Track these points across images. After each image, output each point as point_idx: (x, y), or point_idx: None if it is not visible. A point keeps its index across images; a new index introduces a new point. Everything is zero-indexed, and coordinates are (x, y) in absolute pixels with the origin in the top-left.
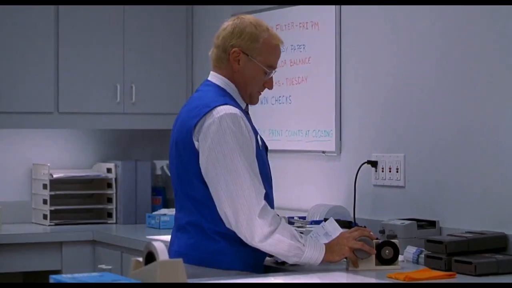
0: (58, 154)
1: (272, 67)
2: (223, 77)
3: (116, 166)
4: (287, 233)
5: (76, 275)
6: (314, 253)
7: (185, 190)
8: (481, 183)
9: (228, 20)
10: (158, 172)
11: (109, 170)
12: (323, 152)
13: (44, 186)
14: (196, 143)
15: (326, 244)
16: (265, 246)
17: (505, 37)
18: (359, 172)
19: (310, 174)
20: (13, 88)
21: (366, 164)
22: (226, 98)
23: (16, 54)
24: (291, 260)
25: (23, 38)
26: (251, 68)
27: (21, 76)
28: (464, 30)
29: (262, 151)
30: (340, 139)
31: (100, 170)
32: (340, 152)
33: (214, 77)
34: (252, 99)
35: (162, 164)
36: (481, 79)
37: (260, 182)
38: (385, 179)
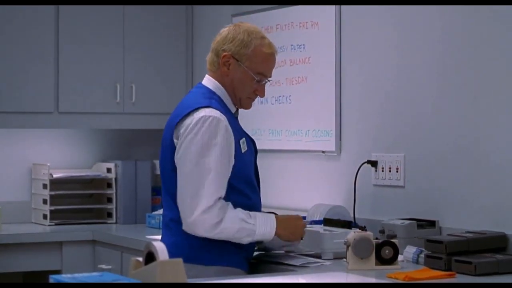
0: (58, 154)
1: (262, 74)
2: (215, 81)
3: (116, 166)
4: (234, 220)
5: (76, 275)
6: (266, 229)
7: (167, 188)
8: (481, 183)
9: (228, 26)
10: (158, 172)
11: (109, 170)
12: (323, 152)
13: (44, 186)
14: (175, 141)
15: (279, 219)
16: (213, 236)
17: (508, 39)
18: (359, 172)
19: (310, 174)
20: (13, 88)
21: (366, 164)
22: (212, 100)
23: (16, 54)
24: (245, 241)
25: (23, 38)
26: (239, 73)
27: (21, 76)
28: (466, 29)
29: (245, 155)
30: (340, 139)
31: (100, 170)
32: (340, 152)
33: (206, 80)
34: (242, 104)
35: None
36: (482, 79)
37: (219, 184)
38: (385, 179)
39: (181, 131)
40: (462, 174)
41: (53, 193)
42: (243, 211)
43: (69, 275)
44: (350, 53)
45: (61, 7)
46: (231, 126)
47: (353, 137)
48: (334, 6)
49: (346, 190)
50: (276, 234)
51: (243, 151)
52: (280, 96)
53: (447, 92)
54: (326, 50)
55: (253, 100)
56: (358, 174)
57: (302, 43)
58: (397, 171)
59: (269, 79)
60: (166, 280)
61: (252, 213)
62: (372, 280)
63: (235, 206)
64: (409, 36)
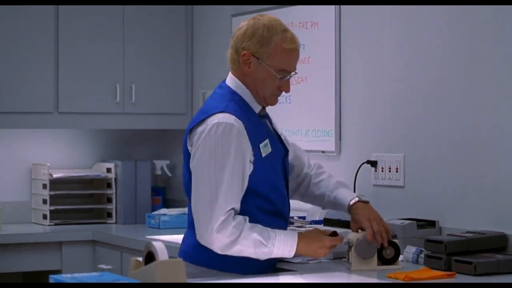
0: (58, 154)
1: (285, 70)
2: (236, 79)
3: (116, 166)
4: (249, 242)
5: (76, 275)
6: (284, 249)
7: (187, 190)
8: (481, 183)
9: (247, 20)
10: (158, 172)
11: (109, 170)
12: (323, 152)
13: (44, 186)
14: (189, 148)
15: (301, 236)
16: (229, 254)
17: (508, 39)
18: (359, 172)
19: None
20: (13, 88)
21: (365, 164)
22: (229, 103)
23: (16, 54)
24: (263, 259)
25: (23, 38)
26: (261, 71)
27: (21, 76)
28: (466, 30)
29: (268, 158)
30: (340, 139)
31: (100, 170)
32: (340, 152)
33: (229, 79)
34: (267, 101)
35: (162, 164)
36: (482, 79)
37: (230, 196)
38: (384, 179)
39: (194, 138)
40: (462, 174)
41: (53, 193)
42: (262, 230)
43: (69, 275)
44: (350, 53)
45: (61, 7)
46: (251, 129)
47: (352, 137)
48: (334, 6)
49: None
50: (296, 253)
51: (264, 155)
52: (280, 96)
53: (447, 92)
54: (326, 50)
55: (279, 95)
56: (358, 174)
57: (302, 43)
58: (397, 171)
59: (293, 73)
60: (166, 280)
61: (272, 232)
62: (372, 280)
63: (259, 212)
64: (409, 36)
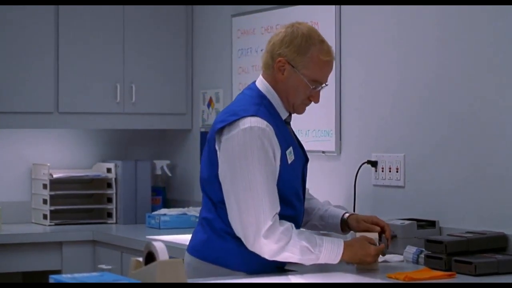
0: (58, 154)
1: (318, 81)
2: (267, 84)
3: (116, 166)
4: (296, 250)
5: (76, 275)
6: (330, 256)
7: (206, 189)
8: (481, 183)
9: (285, 26)
10: (158, 172)
11: (109, 170)
12: (323, 152)
13: (44, 186)
14: (217, 148)
15: (347, 244)
16: (277, 260)
17: (508, 40)
18: (359, 172)
19: (310, 174)
20: (13, 88)
21: (366, 164)
22: (260, 107)
23: (16, 54)
24: (306, 264)
25: (23, 38)
26: (295, 80)
27: (21, 76)
28: (466, 28)
29: (292, 165)
30: (340, 139)
31: (100, 170)
32: (340, 152)
33: (259, 81)
34: (295, 109)
35: (162, 164)
36: (482, 80)
37: (273, 201)
38: (385, 179)
39: (223, 138)
40: (462, 174)
41: (53, 193)
42: (310, 237)
43: (69, 275)
44: (350, 53)
45: (61, 7)
46: (279, 135)
47: (353, 137)
48: (334, 6)
49: (346, 190)
50: (341, 260)
51: (289, 162)
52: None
53: (447, 92)
54: None
55: (307, 105)
56: (358, 174)
57: None
58: (397, 171)
59: (324, 84)
60: (166, 280)
61: (319, 240)
62: (372, 280)
63: (280, 216)
64: (409, 36)
